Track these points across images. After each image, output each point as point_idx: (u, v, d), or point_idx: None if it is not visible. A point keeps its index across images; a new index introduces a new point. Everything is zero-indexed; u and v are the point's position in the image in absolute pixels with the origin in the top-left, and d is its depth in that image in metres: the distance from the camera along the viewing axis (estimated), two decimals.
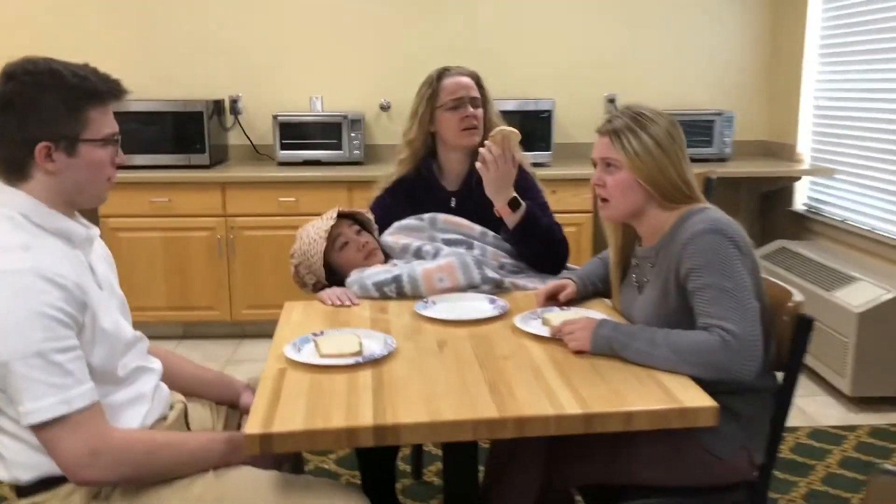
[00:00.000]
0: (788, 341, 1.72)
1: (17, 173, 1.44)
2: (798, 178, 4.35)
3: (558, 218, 2.34)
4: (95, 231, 1.58)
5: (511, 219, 2.19)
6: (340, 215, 2.26)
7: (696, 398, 1.45)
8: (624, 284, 1.92)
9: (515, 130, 2.14)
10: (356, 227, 2.29)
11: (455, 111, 2.30)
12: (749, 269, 1.66)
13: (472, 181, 2.30)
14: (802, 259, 3.83)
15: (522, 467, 1.77)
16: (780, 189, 4.47)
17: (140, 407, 1.54)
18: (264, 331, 3.96)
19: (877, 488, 0.69)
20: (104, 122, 1.48)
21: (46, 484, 1.44)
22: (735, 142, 4.35)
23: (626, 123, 1.73)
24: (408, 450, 2.80)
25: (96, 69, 1.49)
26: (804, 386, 3.50)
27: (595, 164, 1.80)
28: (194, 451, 1.50)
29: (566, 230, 2.33)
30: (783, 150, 4.49)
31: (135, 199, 3.89)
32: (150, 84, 4.29)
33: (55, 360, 1.33)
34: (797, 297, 1.74)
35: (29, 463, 1.42)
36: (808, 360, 3.50)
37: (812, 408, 3.31)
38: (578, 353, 1.66)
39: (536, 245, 2.23)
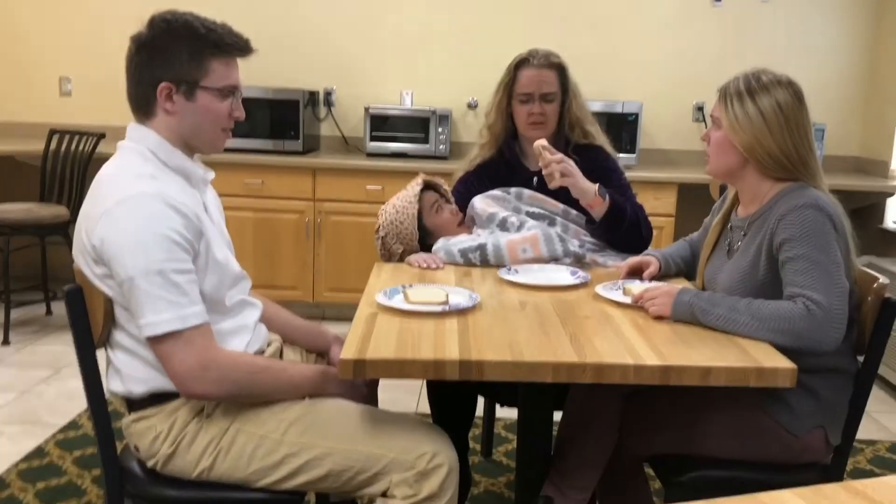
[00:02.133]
0: (871, 323, 1.72)
1: (143, 110, 1.58)
2: (890, 195, 4.25)
3: None
4: (211, 174, 1.71)
5: (597, 211, 2.19)
6: (424, 186, 2.34)
7: (774, 359, 1.47)
8: (714, 250, 1.93)
9: (539, 141, 2.14)
10: (442, 197, 2.37)
11: (524, 104, 2.32)
12: (842, 249, 1.67)
13: None
14: (890, 275, 3.72)
15: (595, 435, 1.81)
16: (870, 206, 4.37)
17: (243, 337, 1.65)
18: (343, 314, 4.09)
19: None
20: (225, 74, 1.60)
21: (156, 399, 1.57)
22: (827, 156, 4.28)
23: (738, 87, 1.74)
24: (478, 429, 2.87)
25: (230, 27, 1.61)
26: (885, 401, 3.41)
27: (713, 120, 1.84)
28: (292, 378, 1.61)
29: None
30: (876, 167, 4.39)
31: (229, 180, 4.05)
32: (251, 72, 4.48)
33: (174, 280, 1.46)
34: (883, 280, 1.74)
35: (142, 377, 1.55)
36: (890, 375, 3.42)
37: (893, 423, 3.22)
38: (659, 318, 1.69)
39: (621, 233, 2.26)
